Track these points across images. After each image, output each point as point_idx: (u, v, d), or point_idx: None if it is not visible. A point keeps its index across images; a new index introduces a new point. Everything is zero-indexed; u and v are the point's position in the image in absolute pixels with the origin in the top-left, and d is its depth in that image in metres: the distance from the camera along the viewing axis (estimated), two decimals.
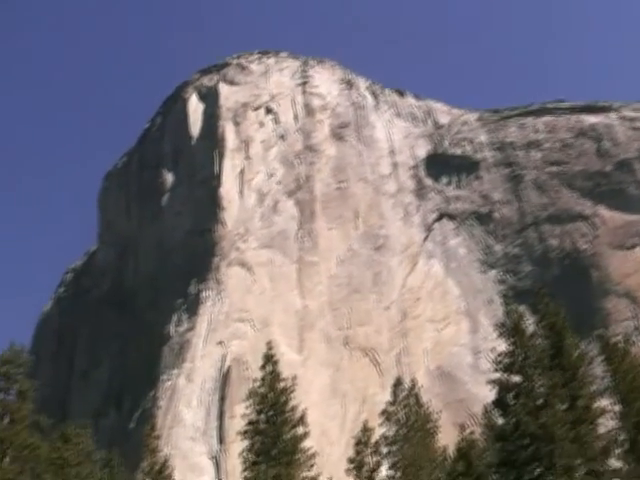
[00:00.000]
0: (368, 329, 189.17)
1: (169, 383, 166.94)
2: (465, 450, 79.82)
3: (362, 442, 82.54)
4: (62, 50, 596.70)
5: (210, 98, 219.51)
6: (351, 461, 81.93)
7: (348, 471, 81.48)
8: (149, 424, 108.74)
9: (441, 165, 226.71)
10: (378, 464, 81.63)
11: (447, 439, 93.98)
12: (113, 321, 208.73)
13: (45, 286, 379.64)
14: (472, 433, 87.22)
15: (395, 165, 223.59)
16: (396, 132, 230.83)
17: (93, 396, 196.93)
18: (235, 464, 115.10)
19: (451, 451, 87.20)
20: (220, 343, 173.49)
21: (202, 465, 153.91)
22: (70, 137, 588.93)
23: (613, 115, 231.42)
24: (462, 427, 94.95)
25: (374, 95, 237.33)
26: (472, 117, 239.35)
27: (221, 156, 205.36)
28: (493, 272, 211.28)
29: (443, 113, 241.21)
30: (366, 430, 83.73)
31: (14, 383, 69.51)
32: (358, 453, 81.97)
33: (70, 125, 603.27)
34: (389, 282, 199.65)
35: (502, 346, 72.52)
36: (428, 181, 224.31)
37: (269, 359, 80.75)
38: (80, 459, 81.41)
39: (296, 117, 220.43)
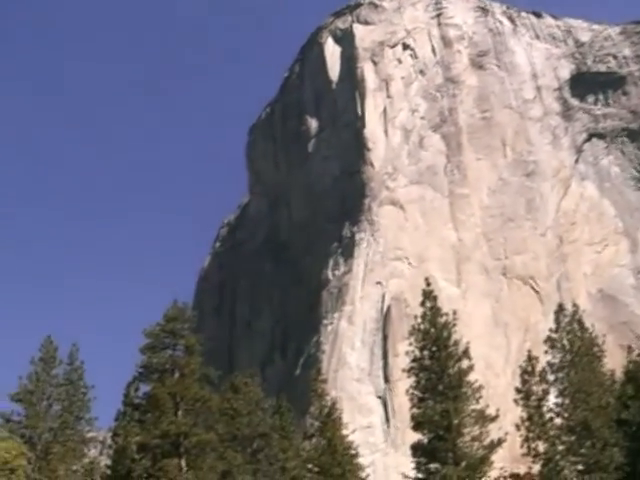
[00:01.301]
0: (525, 257, 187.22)
1: (331, 327, 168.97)
2: (633, 373, 78.41)
3: (528, 371, 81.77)
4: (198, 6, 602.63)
5: (346, 40, 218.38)
6: (518, 391, 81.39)
7: (516, 401, 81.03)
8: (315, 369, 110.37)
9: (586, 84, 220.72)
10: (546, 392, 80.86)
11: (613, 363, 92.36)
12: (270, 271, 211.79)
13: (203, 242, 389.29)
14: (639, 355, 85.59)
15: (539, 89, 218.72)
16: (537, 55, 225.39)
17: (257, 345, 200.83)
18: (402, 402, 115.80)
19: (619, 374, 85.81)
20: (378, 283, 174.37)
21: (369, 405, 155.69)
22: (215, 95, 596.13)
23: None
24: (629, 349, 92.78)
25: (510, 19, 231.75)
26: (614, 31, 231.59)
27: (362, 97, 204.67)
28: None
29: (583, 30, 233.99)
30: (531, 359, 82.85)
31: (181, 339, 71.13)
32: (525, 382, 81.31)
33: (215, 82, 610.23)
34: (543, 208, 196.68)
35: None
36: (574, 102, 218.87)
37: (428, 295, 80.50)
38: (250, 408, 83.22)
39: (434, 50, 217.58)
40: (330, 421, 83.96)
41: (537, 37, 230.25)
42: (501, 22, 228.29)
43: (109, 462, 76.25)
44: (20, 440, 63.73)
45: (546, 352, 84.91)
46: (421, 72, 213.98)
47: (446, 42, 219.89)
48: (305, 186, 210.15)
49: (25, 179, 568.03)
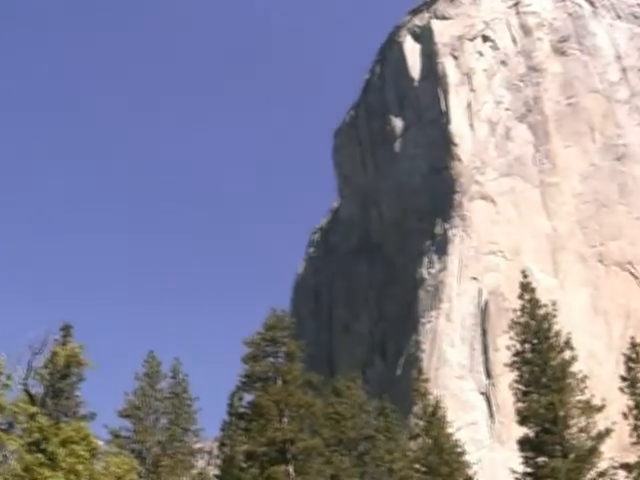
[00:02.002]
0: (622, 243, 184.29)
1: (429, 325, 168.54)
2: None
3: (632, 358, 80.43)
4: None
5: (425, 37, 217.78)
6: (623, 379, 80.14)
7: (621, 389, 79.80)
8: (416, 368, 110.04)
9: None
10: None
11: None
12: (365, 272, 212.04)
13: (296, 248, 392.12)
14: None
15: (624, 70, 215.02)
16: (619, 36, 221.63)
17: (357, 348, 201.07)
18: (505, 397, 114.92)
19: None
20: (474, 279, 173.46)
21: (472, 402, 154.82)
22: (300, 99, 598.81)
23: None
24: None
25: (590, 2, 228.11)
26: None
27: (446, 93, 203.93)
28: None
29: None
30: (634, 345, 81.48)
31: (281, 346, 71.60)
32: (629, 370, 80.00)
33: (299, 87, 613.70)
34: (636, 191, 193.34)
35: None
36: None
37: (526, 287, 79.76)
38: (354, 411, 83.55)
39: (514, 40, 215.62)
40: (435, 420, 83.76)
41: (618, 17, 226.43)
42: (580, 5, 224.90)
43: (217, 472, 77.24)
44: (130, 455, 64.69)
45: None
46: (503, 63, 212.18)
47: (526, 30, 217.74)
48: (394, 186, 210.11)
49: (139, 200, 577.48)
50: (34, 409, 46.30)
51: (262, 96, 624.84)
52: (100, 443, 52.23)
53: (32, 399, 48.81)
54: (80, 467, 44.45)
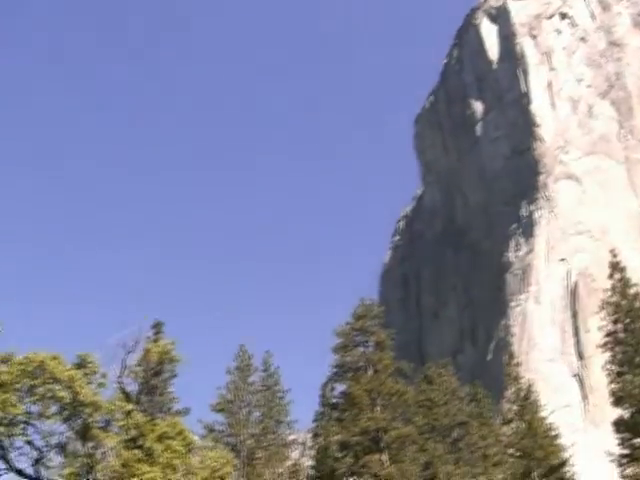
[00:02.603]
0: None
1: (518, 309, 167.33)
2: None
3: None
4: None
5: (501, 18, 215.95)
6: None
7: None
8: (506, 353, 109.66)
9: None
10: None
11: None
12: (451, 258, 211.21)
13: (381, 238, 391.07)
14: None
15: None
16: None
17: (446, 335, 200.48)
18: (598, 378, 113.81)
19: None
20: (562, 260, 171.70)
21: (565, 384, 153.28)
22: (378, 87, 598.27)
23: None
24: None
25: None
26: None
27: (525, 73, 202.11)
28: None
29: None
30: None
31: (371, 335, 71.60)
32: None
33: (377, 75, 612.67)
34: None
35: None
36: None
37: (616, 267, 78.50)
38: (446, 398, 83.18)
39: (593, 15, 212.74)
40: (528, 404, 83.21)
41: None
42: None
43: (312, 462, 77.56)
44: (225, 448, 65.38)
45: None
46: (582, 40, 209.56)
47: (604, 5, 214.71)
48: (477, 170, 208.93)
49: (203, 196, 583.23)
50: (130, 406, 47.10)
51: (342, 86, 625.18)
52: (195, 438, 52.92)
53: (127, 397, 49.63)
54: (177, 462, 45.14)
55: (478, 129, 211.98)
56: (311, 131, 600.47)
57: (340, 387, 73.13)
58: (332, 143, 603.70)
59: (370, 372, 69.68)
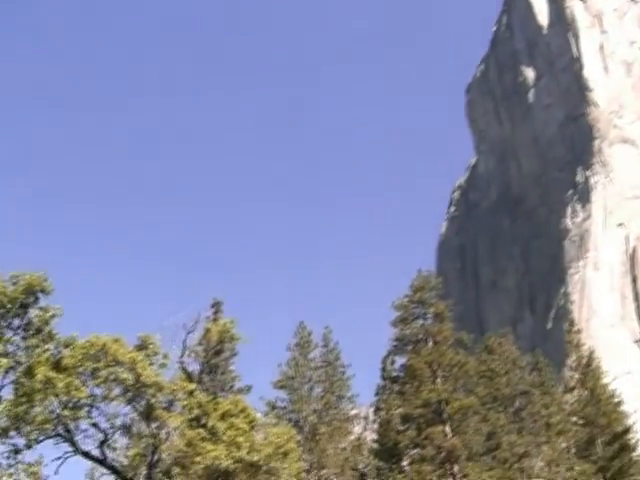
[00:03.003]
0: None
1: (577, 276, 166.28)
2: None
3: None
4: None
5: None
6: None
7: None
8: (566, 320, 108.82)
9: None
10: None
11: None
12: (508, 227, 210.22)
13: (437, 209, 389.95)
14: None
15: None
16: None
17: (505, 304, 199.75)
18: None
19: None
20: (620, 225, 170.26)
21: (626, 351, 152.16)
22: (428, 59, 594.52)
23: None
24: None
25: None
26: None
27: (576, 37, 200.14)
28: None
29: None
30: None
31: (430, 307, 71.49)
32: None
33: (427, 46, 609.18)
34: None
35: None
36: None
37: None
38: (507, 367, 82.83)
39: None
40: (590, 371, 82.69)
41: None
42: None
43: (374, 436, 77.79)
44: (288, 424, 65.79)
45: None
46: (632, 0, 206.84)
47: None
48: (531, 137, 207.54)
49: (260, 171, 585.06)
50: (192, 386, 47.54)
51: (397, 57, 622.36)
52: (258, 415, 53.33)
53: (189, 376, 50.14)
54: (240, 439, 45.52)
55: (530, 96, 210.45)
56: (362, 101, 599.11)
57: (400, 360, 73.21)
58: (385, 115, 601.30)
59: (430, 344, 69.67)
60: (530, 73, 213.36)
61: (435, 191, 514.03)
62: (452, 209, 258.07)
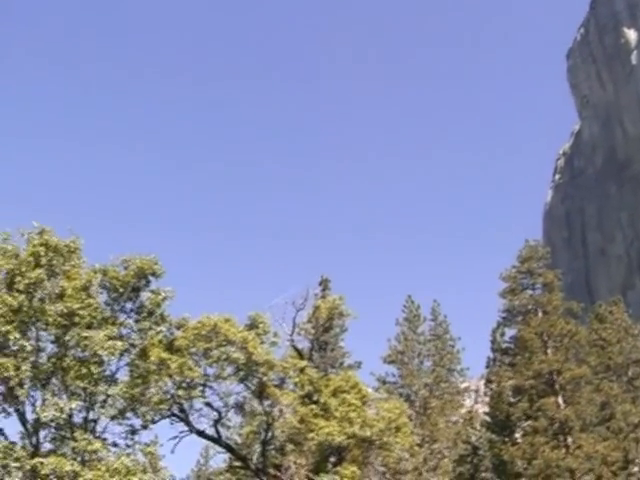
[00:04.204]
0: None
1: None
2: None
3: None
4: None
5: None
6: None
7: None
8: None
9: None
10: None
11: None
12: (615, 193, 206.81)
13: (541, 177, 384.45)
14: None
15: None
16: None
17: (615, 271, 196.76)
18: None
19: None
20: None
21: None
22: (525, 25, 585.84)
23: None
24: None
25: None
26: None
27: None
28: None
29: None
30: None
31: (538, 277, 70.86)
32: None
33: (522, 14, 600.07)
34: None
35: None
36: None
37: None
38: (619, 336, 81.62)
39: None
40: None
41: None
42: None
43: (486, 409, 77.58)
44: (399, 399, 65.99)
45: None
46: None
47: None
48: (636, 100, 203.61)
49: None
50: (303, 363, 48.02)
51: (491, 24, 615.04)
52: (369, 390, 53.61)
53: (300, 354, 50.63)
54: (353, 415, 45.89)
55: (633, 58, 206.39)
56: (456, 74, 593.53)
57: (510, 332, 72.84)
58: (483, 84, 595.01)
59: (540, 314, 69.07)
60: (632, 35, 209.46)
61: (539, 159, 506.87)
62: (557, 177, 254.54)
